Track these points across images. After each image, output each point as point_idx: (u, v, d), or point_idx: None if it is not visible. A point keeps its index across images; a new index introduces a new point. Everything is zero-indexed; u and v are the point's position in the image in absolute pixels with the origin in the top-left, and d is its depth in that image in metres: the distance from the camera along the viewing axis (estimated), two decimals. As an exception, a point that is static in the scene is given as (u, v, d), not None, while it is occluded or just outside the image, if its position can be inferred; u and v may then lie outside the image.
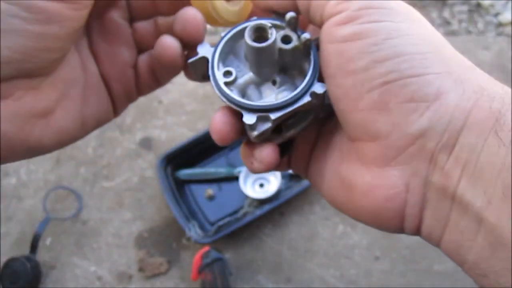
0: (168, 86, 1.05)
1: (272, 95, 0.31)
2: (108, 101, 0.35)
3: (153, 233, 0.93)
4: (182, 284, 0.88)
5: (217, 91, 0.30)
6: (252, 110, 0.29)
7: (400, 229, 0.28)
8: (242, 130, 0.31)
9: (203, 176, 0.95)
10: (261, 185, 0.93)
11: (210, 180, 0.96)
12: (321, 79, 0.30)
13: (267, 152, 0.30)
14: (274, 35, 0.29)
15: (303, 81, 0.30)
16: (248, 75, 0.32)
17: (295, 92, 0.29)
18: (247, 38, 0.29)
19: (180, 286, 0.88)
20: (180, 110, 1.03)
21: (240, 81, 0.32)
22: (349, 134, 0.29)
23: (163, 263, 0.90)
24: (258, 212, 0.88)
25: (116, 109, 0.36)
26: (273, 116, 0.29)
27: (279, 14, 0.32)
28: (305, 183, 0.90)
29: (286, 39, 0.30)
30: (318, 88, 0.29)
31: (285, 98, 0.29)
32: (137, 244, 0.92)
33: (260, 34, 0.30)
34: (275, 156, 0.31)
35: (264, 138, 0.30)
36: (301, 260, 0.89)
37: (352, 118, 0.28)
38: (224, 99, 0.30)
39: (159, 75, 0.36)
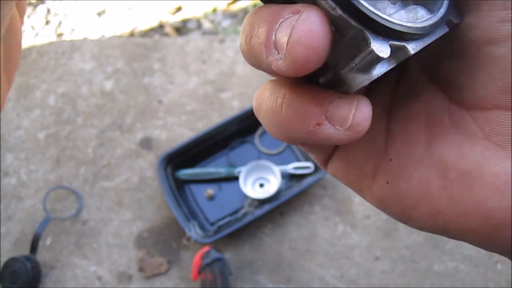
0: (168, 86, 1.05)
1: (399, 13, 0.20)
2: None
3: (153, 233, 0.93)
4: (182, 284, 0.88)
5: None
6: (387, 32, 0.18)
7: None
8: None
9: (203, 176, 0.95)
10: (261, 185, 0.93)
11: (210, 180, 0.96)
12: None
13: (366, 113, 0.19)
14: None
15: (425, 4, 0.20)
16: None
17: (439, 16, 0.19)
18: None
19: (180, 286, 0.88)
20: (180, 110, 1.03)
21: None
22: (484, 97, 0.20)
23: (163, 263, 0.90)
24: (258, 212, 0.88)
25: None
26: (413, 49, 0.18)
27: None
28: (305, 183, 0.90)
29: None
30: (455, 16, 0.20)
31: (432, 21, 0.19)
32: (137, 244, 0.92)
33: None
34: (370, 120, 0.20)
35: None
36: (301, 260, 0.89)
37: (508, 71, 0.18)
38: (338, 8, 0.17)
39: None
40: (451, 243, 0.88)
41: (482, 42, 0.19)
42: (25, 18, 1.83)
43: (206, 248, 0.84)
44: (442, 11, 0.19)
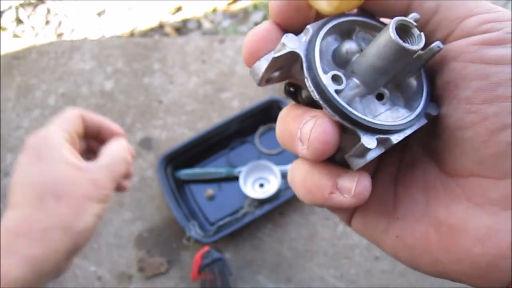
0: (168, 86, 1.05)
1: (386, 112, 0.26)
2: None
3: (153, 233, 0.93)
4: (182, 284, 0.88)
5: (322, 101, 0.24)
6: (373, 130, 0.25)
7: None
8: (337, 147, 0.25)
9: (203, 176, 0.95)
10: (261, 185, 0.93)
11: (210, 180, 0.96)
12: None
13: (366, 184, 0.25)
14: (423, 38, 0.24)
15: (402, 99, 0.27)
16: (354, 83, 0.26)
17: (417, 112, 0.25)
18: (395, 37, 0.24)
19: (180, 286, 0.88)
20: (180, 110, 1.03)
21: (348, 91, 0.26)
22: (465, 167, 0.25)
23: (163, 263, 0.90)
24: (258, 212, 0.88)
25: None
26: (395, 139, 0.25)
27: (365, 12, 0.27)
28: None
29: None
30: (432, 109, 0.26)
31: (410, 118, 0.25)
32: (137, 244, 0.92)
33: (400, 34, 0.24)
34: (370, 189, 0.26)
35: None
36: (301, 260, 0.89)
37: (482, 149, 0.24)
38: (334, 113, 0.24)
39: None
40: (451, 243, 0.88)
41: (455, 128, 0.25)
42: (25, 18, 1.83)
43: (206, 248, 0.84)
44: (418, 110, 0.25)
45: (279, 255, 0.89)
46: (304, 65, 0.25)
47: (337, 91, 0.25)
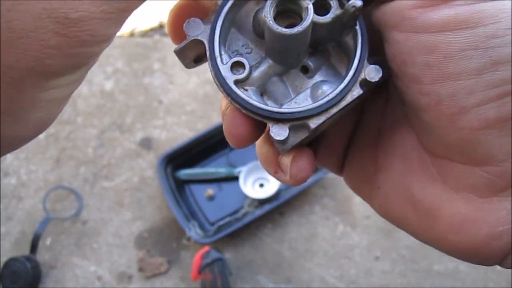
0: (168, 86, 1.05)
1: (306, 90, 0.23)
2: None
3: (153, 233, 0.93)
4: (182, 284, 0.88)
5: (225, 95, 0.22)
6: (283, 120, 0.22)
7: (498, 264, 0.22)
8: (263, 129, 0.23)
9: (203, 176, 0.95)
10: (261, 185, 0.93)
11: (210, 180, 0.96)
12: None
13: (302, 166, 0.24)
14: (311, 12, 0.21)
15: (346, 61, 0.23)
16: (266, 63, 0.23)
17: (342, 86, 0.22)
18: (269, 20, 0.20)
19: (180, 286, 0.88)
20: (180, 110, 1.03)
21: (256, 74, 0.23)
22: (434, 149, 0.22)
23: (163, 263, 0.90)
24: (258, 212, 0.88)
25: None
26: (314, 124, 0.22)
27: None
28: (305, 183, 0.90)
29: (322, 7, 0.21)
30: (371, 74, 0.22)
31: (329, 98, 0.21)
32: (137, 244, 0.92)
33: (286, 7, 0.21)
34: (312, 168, 0.24)
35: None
36: (301, 260, 0.89)
37: (445, 135, 0.21)
38: (238, 106, 0.22)
39: None
40: (451, 243, 0.88)
41: (413, 107, 0.21)
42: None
43: (206, 248, 0.84)
44: (346, 83, 0.21)
45: (279, 255, 0.89)
46: (208, 53, 0.22)
47: (238, 81, 0.22)
